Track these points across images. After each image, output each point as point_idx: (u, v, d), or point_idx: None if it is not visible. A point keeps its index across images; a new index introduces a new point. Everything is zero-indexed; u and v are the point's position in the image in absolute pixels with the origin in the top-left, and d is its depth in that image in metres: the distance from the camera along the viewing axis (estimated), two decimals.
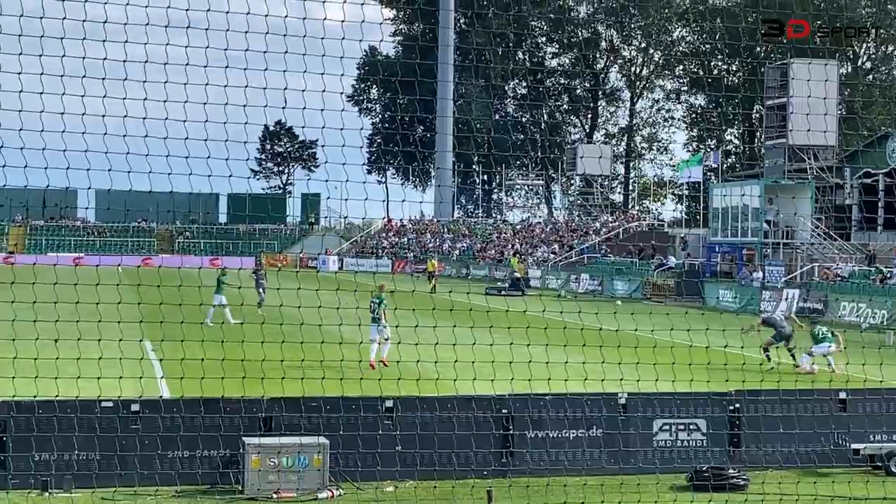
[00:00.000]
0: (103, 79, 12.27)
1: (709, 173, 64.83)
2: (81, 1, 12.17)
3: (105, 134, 12.19)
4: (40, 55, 12.09)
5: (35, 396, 12.54)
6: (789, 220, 49.72)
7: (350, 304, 13.87)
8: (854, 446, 14.91)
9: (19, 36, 12.10)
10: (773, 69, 55.82)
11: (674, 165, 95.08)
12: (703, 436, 14.61)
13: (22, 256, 76.03)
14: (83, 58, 12.27)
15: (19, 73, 11.93)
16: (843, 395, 15.14)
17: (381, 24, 13.98)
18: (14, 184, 12.85)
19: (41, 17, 12.16)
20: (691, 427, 14.62)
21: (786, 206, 49.42)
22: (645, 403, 14.50)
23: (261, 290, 33.48)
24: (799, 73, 49.45)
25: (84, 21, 12.28)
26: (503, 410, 13.99)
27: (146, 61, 12.32)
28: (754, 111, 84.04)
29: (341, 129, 12.92)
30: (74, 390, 12.73)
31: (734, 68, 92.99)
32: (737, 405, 14.73)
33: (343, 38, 12.85)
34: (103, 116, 12.22)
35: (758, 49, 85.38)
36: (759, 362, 23.49)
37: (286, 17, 12.72)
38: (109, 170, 12.21)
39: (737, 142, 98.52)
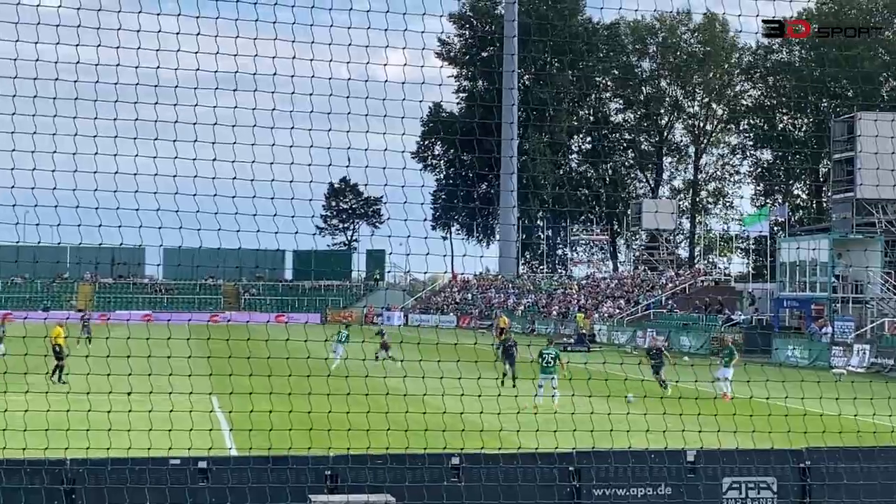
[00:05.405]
0: (174, 140, 12.60)
1: (776, 227, 64.12)
2: (153, 67, 12.59)
3: (176, 193, 12.51)
4: (114, 119, 12.49)
5: (108, 448, 12.77)
6: (858, 274, 48.89)
7: (414, 358, 13.97)
8: None
9: (94, 101, 12.50)
10: (840, 123, 55.26)
11: (740, 220, 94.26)
12: (774, 494, 14.33)
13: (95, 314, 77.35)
14: (155, 121, 12.63)
15: (94, 136, 12.32)
16: None
17: (440, 85, 14.17)
18: (87, 242, 13.19)
19: (115, 83, 12.57)
20: (761, 485, 14.34)
21: (855, 261, 48.61)
22: (714, 460, 14.27)
23: (507, 362, 30.20)
24: (866, 126, 48.89)
25: (156, 86, 12.69)
26: (570, 467, 13.88)
27: (215, 123, 12.64)
28: (822, 165, 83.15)
29: (402, 185, 13.15)
30: (146, 442, 12.95)
31: (799, 122, 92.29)
32: (808, 462, 14.44)
33: (404, 100, 13.12)
34: (174, 176, 12.53)
35: (823, 103, 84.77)
36: (818, 413, 22.92)
37: (349, 79, 13.02)
38: (180, 227, 12.53)
39: (804, 196, 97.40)
